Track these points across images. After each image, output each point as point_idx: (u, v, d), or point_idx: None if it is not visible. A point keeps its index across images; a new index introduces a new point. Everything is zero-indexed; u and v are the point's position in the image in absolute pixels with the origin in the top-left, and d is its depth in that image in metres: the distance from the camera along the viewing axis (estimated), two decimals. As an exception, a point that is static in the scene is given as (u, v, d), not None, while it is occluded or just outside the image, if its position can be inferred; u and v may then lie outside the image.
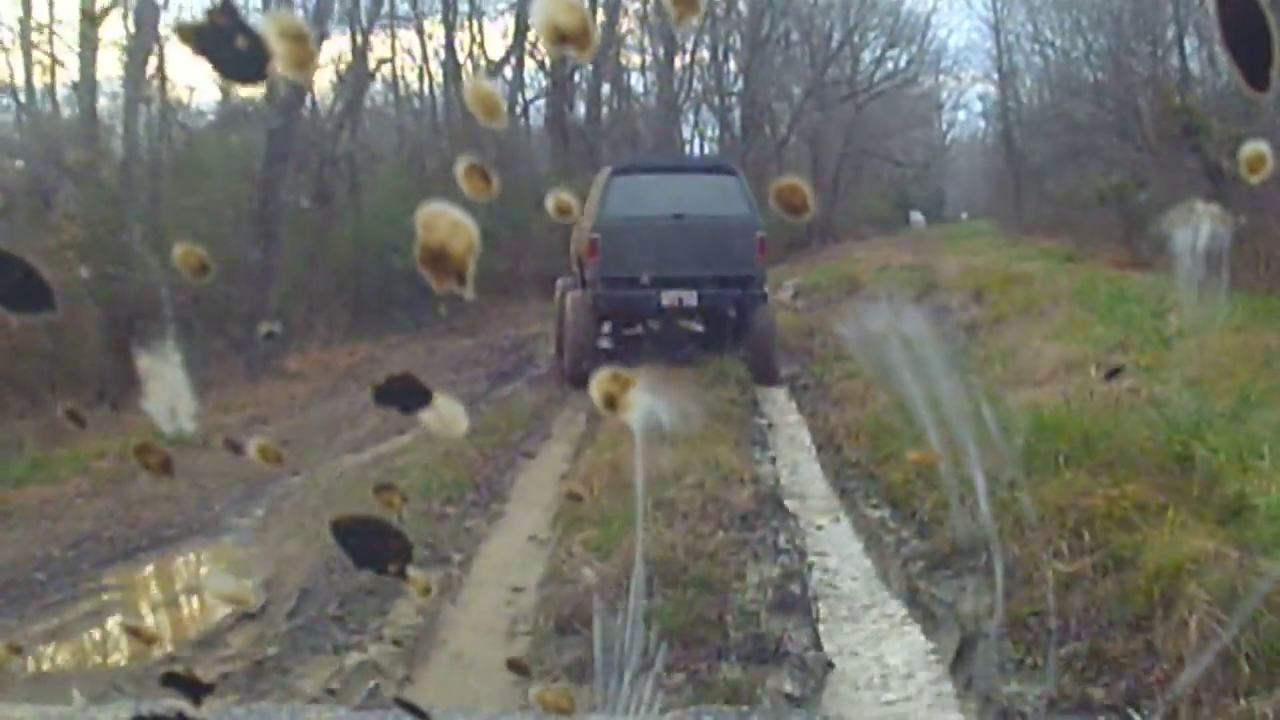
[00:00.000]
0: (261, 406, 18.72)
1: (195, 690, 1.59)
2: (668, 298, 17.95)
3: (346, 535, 1.46)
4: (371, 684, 7.44)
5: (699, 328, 18.70)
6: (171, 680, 1.59)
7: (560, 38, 1.22)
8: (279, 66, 1.18)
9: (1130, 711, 6.17)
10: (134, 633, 1.64)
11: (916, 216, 64.78)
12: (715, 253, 18.02)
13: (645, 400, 1.44)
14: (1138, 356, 15.08)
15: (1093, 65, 42.98)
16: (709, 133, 56.81)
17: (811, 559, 10.06)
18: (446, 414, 1.43)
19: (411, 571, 1.49)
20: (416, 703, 1.77)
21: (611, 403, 1.42)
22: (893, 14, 62.54)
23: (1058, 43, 49.24)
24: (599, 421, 14.50)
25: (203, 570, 10.69)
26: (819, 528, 11.27)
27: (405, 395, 1.42)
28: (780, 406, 17.57)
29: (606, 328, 19.36)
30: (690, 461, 11.57)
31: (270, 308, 22.78)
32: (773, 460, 13.96)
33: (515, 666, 4.93)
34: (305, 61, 1.19)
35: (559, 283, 20.26)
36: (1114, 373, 13.42)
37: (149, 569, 10.78)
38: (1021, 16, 54.91)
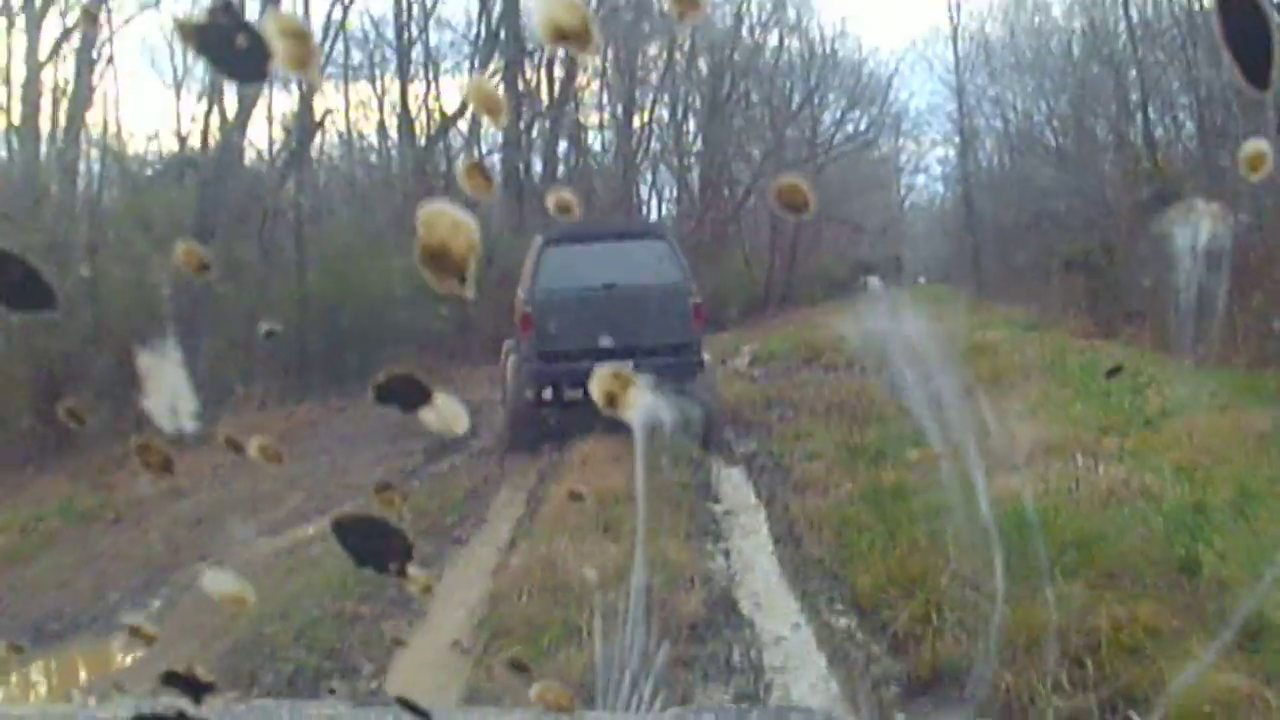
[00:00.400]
0: (182, 478, 16.57)
1: (195, 689, 1.61)
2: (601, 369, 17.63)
3: (346, 534, 1.48)
4: (373, 685, 7.64)
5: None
6: (172, 679, 1.60)
7: (560, 35, 1.24)
8: (280, 65, 1.20)
9: (1130, 712, 6.05)
10: (134, 632, 1.63)
11: (874, 281, 64.52)
12: (649, 322, 17.99)
13: (646, 400, 1.47)
14: (1119, 440, 14.61)
15: (1054, 129, 43.50)
16: (667, 193, 56.97)
17: (770, 676, 9.07)
18: (446, 413, 1.46)
19: (412, 570, 1.51)
20: (417, 702, 1.78)
21: (612, 402, 1.46)
22: (854, 75, 62.41)
23: (1019, 105, 49.84)
24: (539, 504, 14.58)
25: (82, 675, 10.44)
26: (777, 640, 9.94)
27: (404, 395, 1.44)
28: (736, 490, 16.26)
29: (548, 394, 19.35)
30: (633, 557, 10.39)
31: (199, 368, 21.79)
32: (726, 555, 12.81)
33: (515, 666, 4.92)
34: (306, 60, 1.21)
35: (505, 344, 20.15)
36: (1114, 372, 12.93)
37: (13, 677, 10.12)
38: (982, 79, 55.50)
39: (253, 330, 26.12)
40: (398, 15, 40.96)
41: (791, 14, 58.70)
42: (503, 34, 40.98)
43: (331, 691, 7.27)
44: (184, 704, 1.63)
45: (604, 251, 19.03)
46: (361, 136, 43.89)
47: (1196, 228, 1.53)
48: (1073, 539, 9.90)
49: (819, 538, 12.47)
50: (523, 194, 40.01)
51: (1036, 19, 50.73)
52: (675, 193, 56.40)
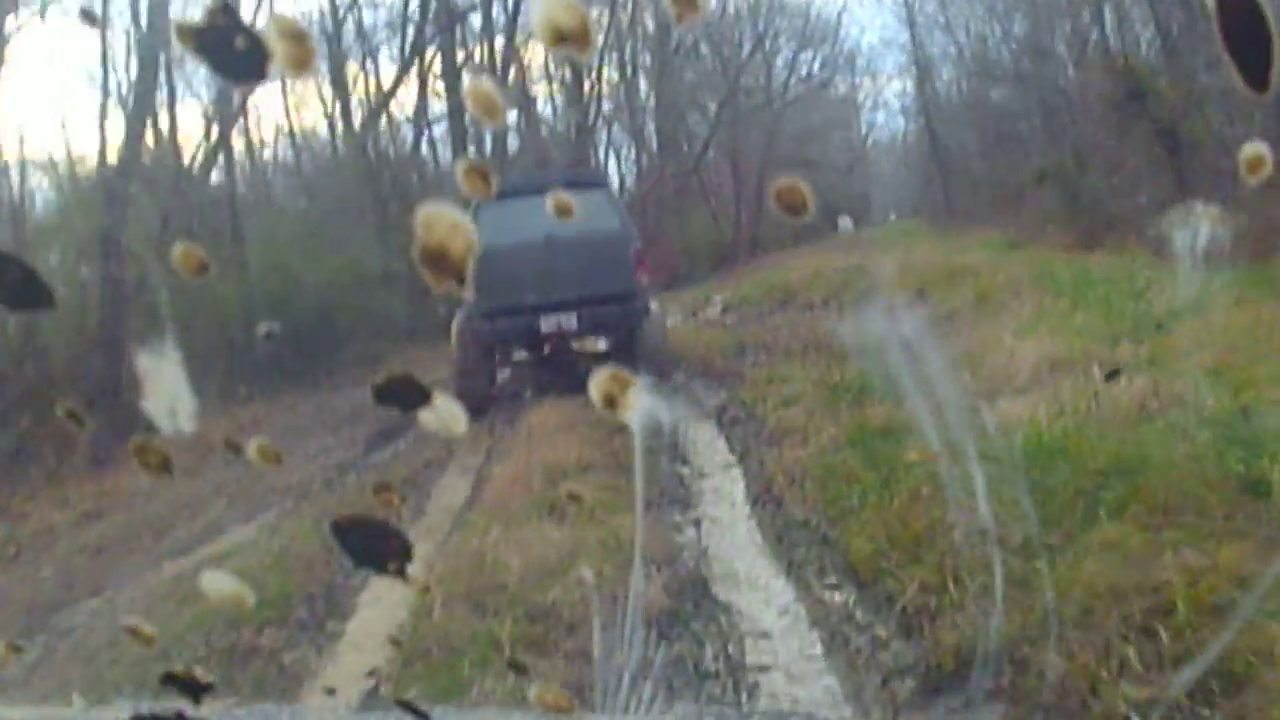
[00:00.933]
0: (102, 498, 17.01)
1: (195, 690, 1.65)
2: (546, 323, 18.11)
3: (345, 535, 1.51)
4: (370, 685, 7.21)
5: (601, 346, 18.91)
6: (171, 680, 1.64)
7: (560, 38, 1.26)
8: (278, 66, 1.23)
9: (1130, 713, 5.49)
10: (133, 632, 1.63)
11: (845, 222, 65.16)
12: (589, 272, 18.12)
13: (646, 400, 1.48)
14: (1134, 348, 13.50)
15: (1011, 50, 43.39)
16: (625, 152, 56.70)
17: (754, 679, 7.35)
18: (445, 414, 1.46)
19: (411, 570, 1.53)
20: (416, 703, 1.82)
21: (611, 403, 1.47)
22: (802, 16, 62.57)
23: (972, 29, 49.68)
24: (482, 487, 13.41)
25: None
26: (759, 630, 8.12)
27: (403, 395, 1.46)
28: (706, 448, 14.81)
29: (498, 357, 19.53)
30: (584, 540, 9.53)
31: (122, 376, 21.09)
32: (697, 525, 11.20)
33: (515, 666, 4.90)
34: (304, 61, 1.24)
35: (455, 317, 19.73)
36: (1113, 374, 12.33)
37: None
38: (933, 7, 55.25)
39: (190, 334, 25.76)
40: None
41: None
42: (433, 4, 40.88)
43: (331, 692, 7.05)
44: (183, 705, 1.67)
45: (541, 203, 18.72)
46: (302, 128, 44.05)
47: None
48: (1107, 465, 8.70)
49: (802, 495, 11.11)
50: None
51: None
52: (634, 151, 56.22)
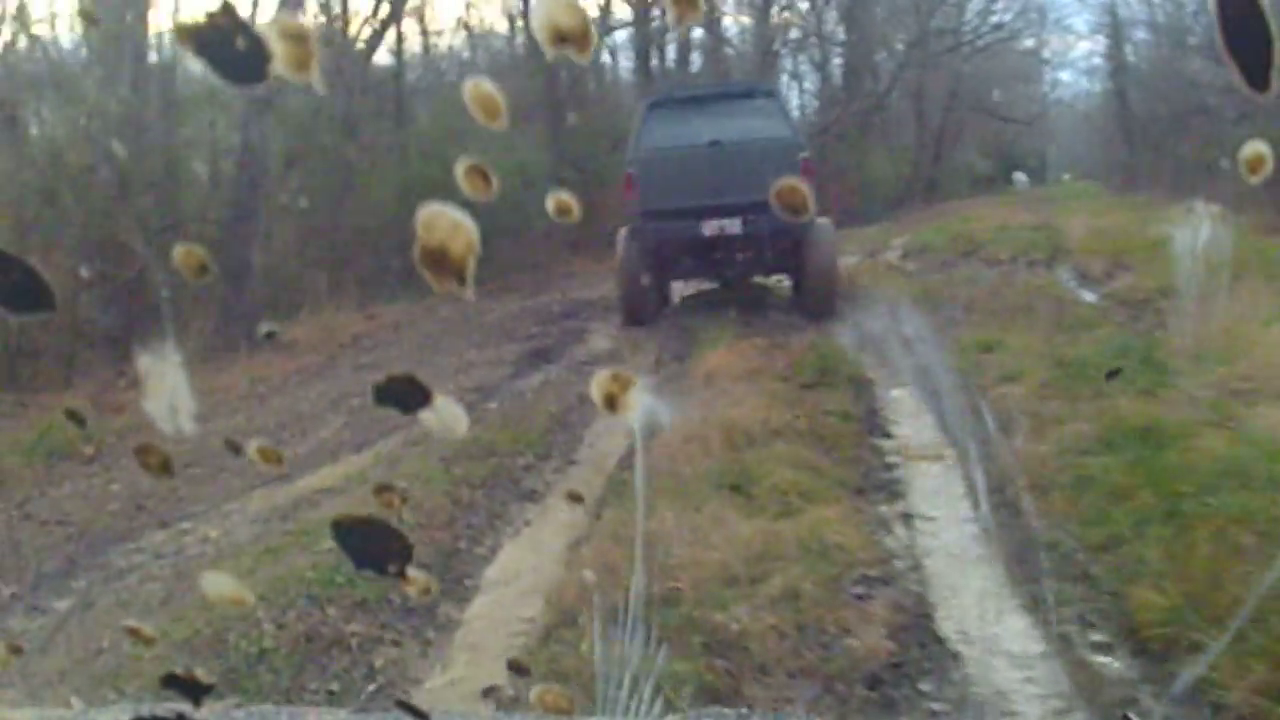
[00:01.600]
0: (208, 395, 15.12)
1: (195, 691, 1.68)
2: (709, 227, 18.12)
3: (346, 535, 1.53)
4: (372, 686, 6.36)
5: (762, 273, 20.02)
6: (171, 681, 1.68)
7: (560, 38, 1.29)
8: (279, 67, 1.25)
9: (1129, 713, 5.17)
10: (133, 632, 1.65)
11: (1020, 177, 64.61)
12: (756, 177, 17.68)
13: (646, 400, 1.51)
14: None
15: (1208, 20, 42.84)
16: (807, 85, 56.62)
17: None
18: (446, 415, 1.49)
19: (411, 571, 1.56)
20: (417, 704, 1.85)
21: (610, 403, 1.49)
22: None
23: (1167, 3, 49.16)
24: (650, 437, 9.44)
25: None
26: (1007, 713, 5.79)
27: (404, 395, 1.48)
28: (911, 421, 12.14)
29: (661, 261, 19.41)
30: (779, 537, 7.61)
31: (253, 267, 21.69)
32: (907, 522, 8.85)
33: (515, 667, 4.83)
34: (305, 61, 1.26)
35: (620, 231, 19.80)
36: (1114, 373, 11.92)
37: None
38: None
39: (337, 223, 26.09)
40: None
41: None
42: None
43: (331, 694, 6.70)
44: (183, 707, 1.70)
45: (709, 110, 19.12)
46: (480, 21, 44.08)
47: None
48: None
49: (1048, 506, 8.43)
50: (652, 80, 39.79)
51: None
52: (817, 84, 55.92)
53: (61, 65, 23.71)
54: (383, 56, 33.06)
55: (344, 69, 29.03)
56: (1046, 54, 73.28)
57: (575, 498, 8.34)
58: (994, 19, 61.34)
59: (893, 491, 9.67)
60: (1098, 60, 67.33)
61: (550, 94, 35.13)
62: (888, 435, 11.53)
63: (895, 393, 13.38)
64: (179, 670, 1.71)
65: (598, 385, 1.50)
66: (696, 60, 45.81)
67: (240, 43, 1.25)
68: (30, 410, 15.71)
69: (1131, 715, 5.01)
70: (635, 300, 18.58)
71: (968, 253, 27.18)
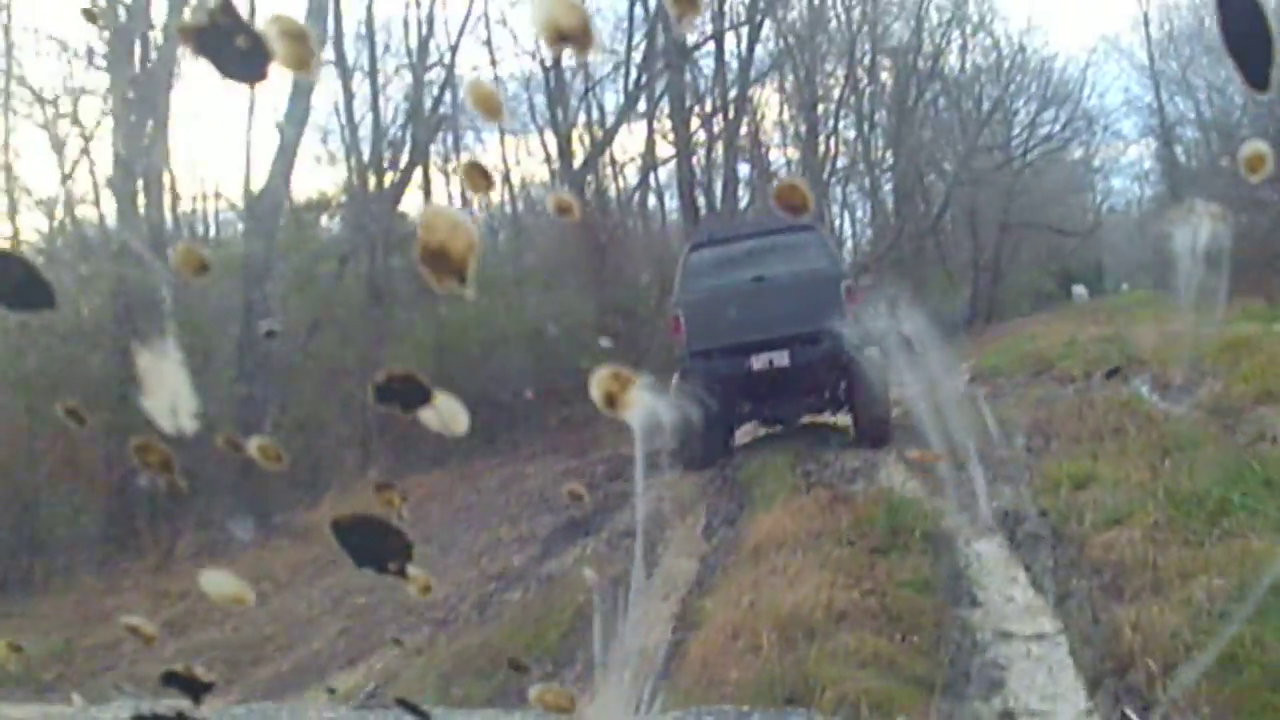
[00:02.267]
0: (198, 600, 13.33)
1: (195, 690, 1.71)
2: (757, 361, 18.41)
3: (346, 534, 1.55)
4: (371, 685, 6.67)
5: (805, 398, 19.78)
6: (171, 680, 1.70)
7: (560, 37, 1.32)
8: (280, 65, 1.30)
9: (1129, 712, 5.22)
10: (134, 631, 1.66)
11: (1079, 290, 64.90)
12: (801, 310, 18.31)
13: (646, 400, 1.52)
14: None
15: (1256, 113, 43.29)
16: (859, 213, 56.95)
17: None
18: (446, 414, 1.52)
19: (411, 570, 1.58)
20: (416, 703, 1.87)
21: (611, 402, 1.52)
22: (1044, 75, 62.15)
23: (1215, 92, 49.97)
24: (687, 637, 9.67)
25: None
26: None
27: (404, 395, 1.51)
28: (999, 579, 10.64)
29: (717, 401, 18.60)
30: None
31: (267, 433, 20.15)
32: None
33: (515, 666, 4.87)
34: (305, 61, 1.31)
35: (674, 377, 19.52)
36: (1113, 372, 11.64)
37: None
38: (1174, 68, 55.92)
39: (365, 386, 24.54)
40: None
41: (973, 13, 58.74)
42: (660, 41, 39.82)
43: (331, 692, 6.81)
44: (183, 704, 1.72)
45: (751, 248, 19.49)
46: (523, 177, 43.37)
47: None
48: None
49: (1188, 697, 6.50)
50: (698, 219, 39.60)
51: None
52: (869, 209, 56.23)
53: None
54: (414, 204, 32.87)
55: (367, 224, 29.10)
56: (1097, 162, 74.09)
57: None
58: (1042, 131, 62.31)
59: (989, 680, 8.19)
60: (1148, 164, 68.46)
61: (591, 239, 34.32)
62: (976, 603, 10.02)
63: (980, 546, 11.72)
64: (179, 668, 1.72)
65: (597, 384, 1.53)
66: (744, 195, 45.80)
67: (240, 41, 1.29)
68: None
69: (1130, 713, 5.07)
70: (693, 444, 18.31)
71: (1038, 372, 26.59)
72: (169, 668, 1.68)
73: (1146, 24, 60.40)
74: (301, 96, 22.81)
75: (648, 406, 1.54)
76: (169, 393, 1.48)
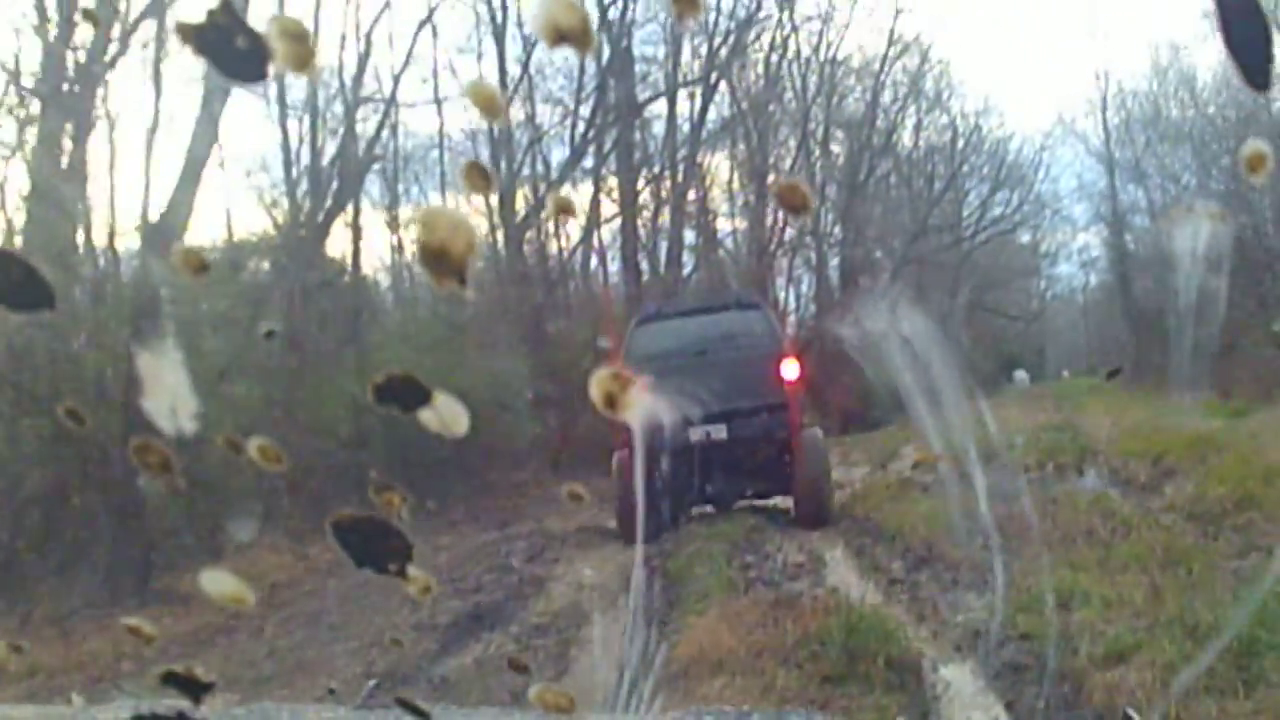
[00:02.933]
0: (81, 667, 13.85)
1: (195, 690, 1.73)
2: (695, 433, 18.58)
3: (346, 534, 1.57)
4: (371, 684, 6.51)
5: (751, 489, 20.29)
6: (171, 680, 1.72)
7: (560, 37, 1.35)
8: (279, 65, 1.33)
9: (1129, 712, 5.18)
10: (134, 631, 1.66)
11: (1020, 374, 65.85)
12: (742, 385, 18.81)
13: (645, 399, 1.56)
14: None
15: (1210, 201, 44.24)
16: (804, 288, 57.10)
17: None
18: (446, 414, 1.54)
19: (411, 571, 1.60)
20: (416, 703, 1.88)
21: (610, 402, 1.55)
22: (998, 155, 63.56)
23: (1168, 180, 50.85)
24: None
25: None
26: None
27: (404, 395, 1.53)
28: None
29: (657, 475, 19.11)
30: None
31: (142, 501, 19.42)
32: None
33: (515, 665, 4.89)
34: (305, 60, 1.34)
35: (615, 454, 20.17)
36: (1114, 373, 11.33)
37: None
38: (1129, 155, 56.98)
39: (286, 438, 23.08)
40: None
41: (930, 88, 59.67)
42: (611, 96, 40.27)
43: (331, 692, 6.83)
44: (183, 705, 1.74)
45: (695, 324, 20.23)
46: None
47: None
48: None
49: None
50: (640, 283, 39.87)
51: (1181, 92, 53.96)
52: (813, 287, 56.40)
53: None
54: (341, 247, 32.11)
55: (288, 267, 27.29)
56: (1044, 248, 75.09)
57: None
58: (994, 213, 63.56)
59: None
60: (1096, 251, 69.48)
61: (528, 297, 34.66)
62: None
63: (951, 675, 9.94)
64: (179, 668, 1.74)
65: (597, 385, 1.55)
66: (688, 261, 45.93)
67: (240, 41, 1.32)
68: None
69: (1132, 713, 5.11)
70: (631, 519, 18.42)
71: (987, 458, 25.41)
72: (169, 668, 1.70)
73: (1104, 109, 60.86)
74: (208, 118, 22.75)
75: (648, 408, 1.59)
76: (169, 393, 1.52)
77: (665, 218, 44.70)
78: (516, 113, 40.22)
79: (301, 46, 1.34)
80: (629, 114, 40.53)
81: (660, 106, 43.83)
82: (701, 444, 18.72)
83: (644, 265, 42.80)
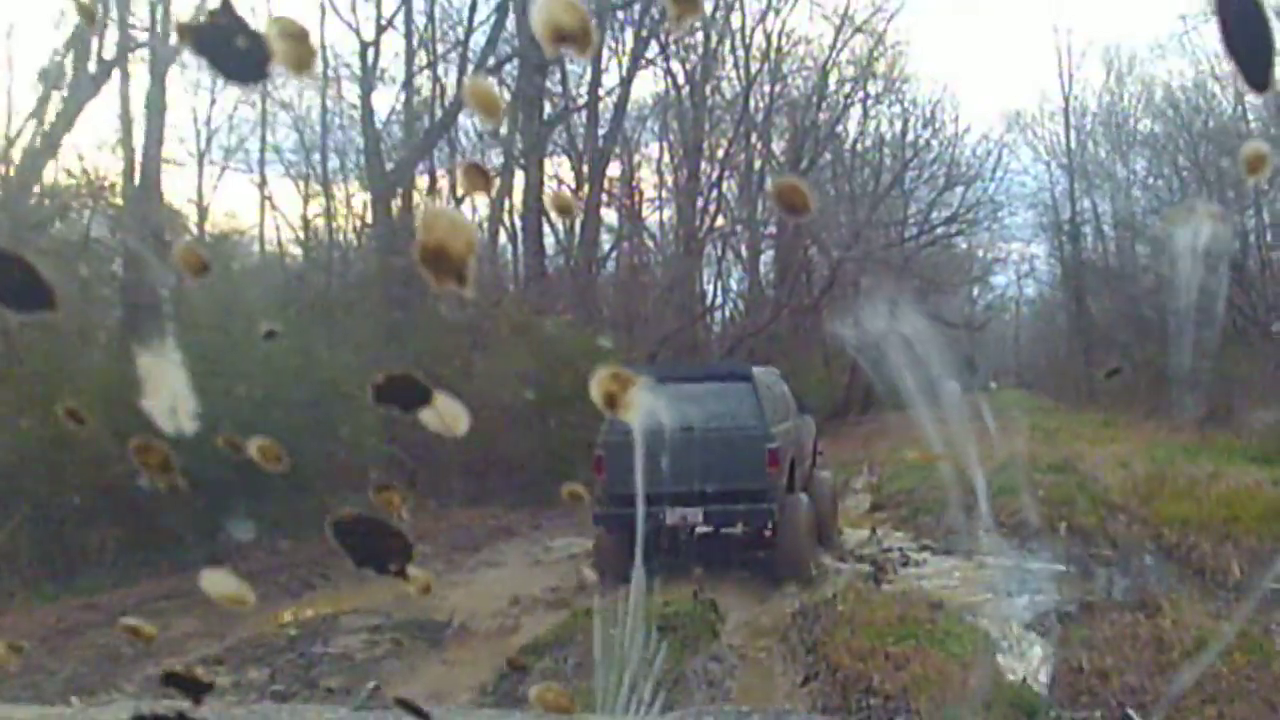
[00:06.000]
0: None
1: (195, 690, 1.80)
2: (672, 516, 18.91)
3: (346, 534, 1.62)
4: (371, 684, 6.75)
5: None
6: (171, 680, 1.79)
7: (560, 37, 1.41)
8: (279, 65, 1.39)
9: (1130, 711, 5.43)
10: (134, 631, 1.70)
11: (951, 385, 66.10)
12: (723, 468, 18.89)
13: (645, 401, 1.62)
14: None
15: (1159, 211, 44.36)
16: (734, 284, 57.12)
17: None
18: (447, 415, 1.60)
19: (411, 570, 1.66)
20: (416, 703, 1.95)
21: (611, 402, 1.61)
22: (952, 147, 63.53)
23: (1118, 195, 51.46)
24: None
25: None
26: None
27: (404, 395, 1.58)
28: None
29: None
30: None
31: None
32: None
33: (515, 666, 4.98)
34: (305, 61, 1.40)
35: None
36: (1114, 372, 11.23)
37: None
38: (1086, 162, 58.16)
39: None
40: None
41: (882, 72, 59.09)
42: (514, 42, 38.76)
43: (330, 692, 6.98)
44: (183, 705, 1.81)
45: (685, 393, 19.53)
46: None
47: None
48: None
49: None
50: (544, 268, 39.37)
51: (1141, 97, 55.17)
52: (745, 284, 56.56)
53: None
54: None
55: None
56: (987, 256, 75.18)
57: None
58: (943, 214, 63.29)
59: None
60: (1038, 262, 70.01)
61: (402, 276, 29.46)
62: None
63: None
64: (179, 669, 1.79)
65: (597, 385, 1.60)
66: (607, 239, 45.69)
67: (240, 41, 1.38)
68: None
69: (1132, 712, 5.27)
70: (612, 578, 18.57)
71: (966, 507, 23.92)
72: (169, 668, 1.75)
73: (1067, 110, 61.28)
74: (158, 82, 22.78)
75: (648, 408, 1.62)
76: (169, 393, 1.55)
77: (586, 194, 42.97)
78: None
79: (301, 46, 1.39)
80: (536, 66, 38.10)
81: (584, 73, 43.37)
82: (676, 525, 19.11)
83: (549, 242, 42.25)
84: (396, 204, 34.80)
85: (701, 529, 19.45)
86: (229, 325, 21.38)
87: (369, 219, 36.48)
